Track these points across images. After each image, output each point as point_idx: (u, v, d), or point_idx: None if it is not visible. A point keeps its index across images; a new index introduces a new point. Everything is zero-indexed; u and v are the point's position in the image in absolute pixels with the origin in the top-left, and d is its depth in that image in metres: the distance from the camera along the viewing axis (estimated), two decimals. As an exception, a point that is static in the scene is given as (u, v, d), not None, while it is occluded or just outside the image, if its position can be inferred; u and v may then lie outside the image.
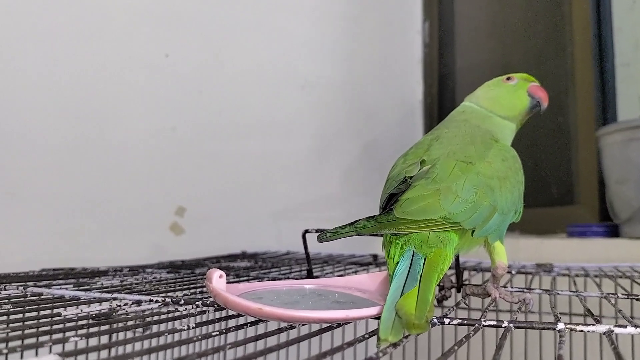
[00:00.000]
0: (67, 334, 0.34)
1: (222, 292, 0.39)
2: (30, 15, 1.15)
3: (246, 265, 0.92)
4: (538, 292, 0.61)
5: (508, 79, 0.69)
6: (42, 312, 0.43)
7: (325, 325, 0.39)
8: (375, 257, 1.06)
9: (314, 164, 1.58)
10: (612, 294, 0.58)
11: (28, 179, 1.12)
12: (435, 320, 0.41)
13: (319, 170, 1.59)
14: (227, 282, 0.42)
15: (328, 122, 1.64)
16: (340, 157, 1.64)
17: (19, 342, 0.32)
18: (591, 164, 1.46)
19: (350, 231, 0.48)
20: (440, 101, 1.97)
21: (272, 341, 0.36)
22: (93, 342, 0.32)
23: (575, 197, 1.54)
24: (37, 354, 0.28)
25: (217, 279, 0.41)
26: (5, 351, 0.29)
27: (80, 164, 1.19)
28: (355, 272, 0.87)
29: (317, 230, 0.66)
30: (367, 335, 0.35)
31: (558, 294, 0.60)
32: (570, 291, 0.61)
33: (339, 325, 0.40)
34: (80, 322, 0.38)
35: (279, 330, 0.38)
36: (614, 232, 1.27)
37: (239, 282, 0.71)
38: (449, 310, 0.50)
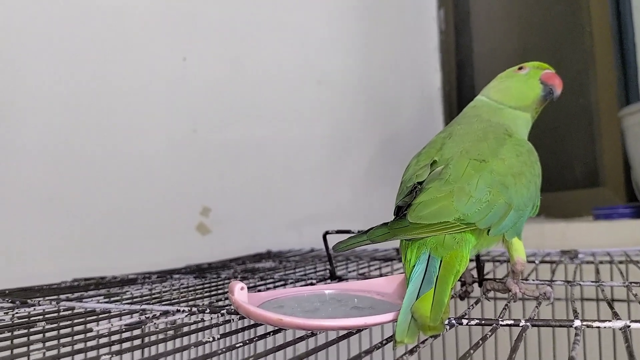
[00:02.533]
0: (100, 350, 0.35)
1: (244, 305, 0.41)
2: (47, 22, 1.18)
3: (270, 266, 0.93)
4: (560, 283, 0.61)
5: (520, 68, 0.68)
6: (76, 328, 0.46)
7: (343, 332, 0.40)
8: (398, 250, 1.07)
9: (334, 159, 1.59)
10: (635, 282, 0.58)
11: (56, 189, 1.15)
12: (454, 321, 0.42)
13: (340, 165, 1.60)
14: (250, 289, 0.44)
15: (347, 116, 1.64)
16: (360, 150, 1.64)
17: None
18: (615, 145, 1.44)
19: (364, 240, 0.48)
20: (459, 88, 1.96)
21: (294, 349, 0.37)
22: (125, 357, 0.34)
23: (600, 178, 1.52)
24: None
25: (239, 291, 0.42)
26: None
27: (105, 171, 1.22)
28: (379, 269, 0.88)
29: (337, 231, 0.67)
30: (384, 342, 0.36)
31: (580, 284, 0.60)
32: (592, 282, 0.61)
33: (358, 331, 0.41)
34: (112, 338, 0.40)
35: (300, 339, 0.39)
36: (640, 213, 1.26)
37: (264, 284, 0.72)
38: (470, 308, 0.50)
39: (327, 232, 0.71)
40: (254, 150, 1.45)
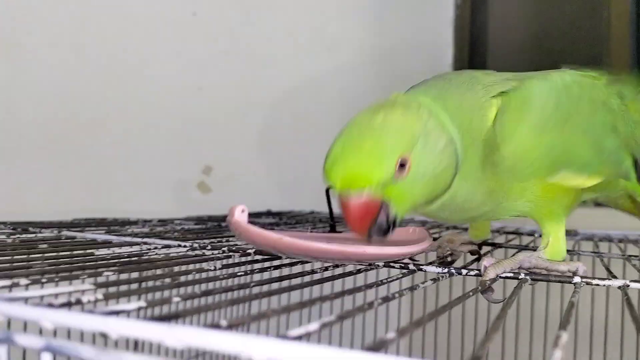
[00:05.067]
0: (100, 269, 0.35)
1: (244, 224, 0.40)
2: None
3: (271, 222, 0.94)
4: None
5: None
6: (76, 252, 0.46)
7: (344, 266, 0.40)
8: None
9: (341, 126, 1.58)
10: (635, 256, 0.58)
11: (60, 134, 1.15)
12: (453, 270, 0.42)
13: (346, 131, 1.59)
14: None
15: (354, 84, 1.63)
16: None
17: (53, 276, 0.33)
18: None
19: None
20: (470, 65, 1.94)
21: (294, 282, 0.37)
22: (125, 277, 0.34)
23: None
24: (70, 283, 0.30)
25: (240, 213, 0.41)
26: (44, 280, 0.31)
27: (110, 120, 1.21)
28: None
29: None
30: (385, 280, 0.36)
31: (579, 254, 0.60)
32: (591, 252, 0.61)
33: (358, 271, 0.42)
34: (112, 261, 0.40)
35: (301, 274, 0.39)
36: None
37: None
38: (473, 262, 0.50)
39: (330, 187, 0.70)
40: (259, 112, 1.44)
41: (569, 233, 0.89)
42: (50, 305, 0.24)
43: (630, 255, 0.58)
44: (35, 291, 0.28)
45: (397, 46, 1.74)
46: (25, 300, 0.24)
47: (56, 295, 0.26)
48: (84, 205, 1.15)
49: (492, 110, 0.43)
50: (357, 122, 0.44)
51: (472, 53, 1.95)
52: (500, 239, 0.84)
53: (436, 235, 0.83)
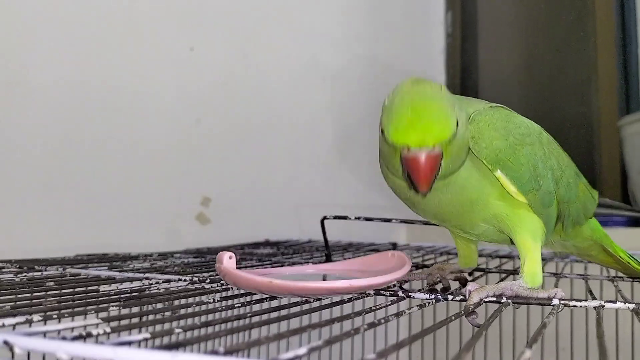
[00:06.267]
0: (103, 305, 0.38)
1: (232, 271, 0.43)
2: (54, 7, 1.19)
3: (269, 252, 0.96)
4: (545, 274, 0.64)
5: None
6: (79, 289, 0.48)
7: (335, 299, 0.42)
8: (394, 245, 1.09)
9: (336, 155, 1.61)
10: (619, 277, 0.61)
11: (62, 170, 1.18)
12: (439, 296, 0.44)
13: (341, 161, 1.62)
14: (247, 269, 0.46)
15: (349, 113, 1.66)
16: (362, 148, 1.66)
17: (57, 312, 0.36)
18: (614, 154, 1.46)
19: None
20: (462, 93, 1.98)
21: (288, 311, 0.39)
22: (128, 311, 0.36)
23: (598, 187, 1.54)
24: (72, 319, 0.32)
25: (228, 260, 0.44)
26: (55, 316, 0.33)
27: (110, 156, 1.24)
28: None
29: (335, 217, 0.69)
30: (374, 307, 0.39)
31: (566, 276, 0.62)
32: (577, 274, 0.63)
33: (350, 300, 0.44)
34: (116, 296, 0.42)
35: (295, 304, 0.41)
36: (635, 221, 1.28)
37: (261, 265, 0.75)
38: (458, 288, 0.52)
39: (325, 217, 0.73)
40: (256, 142, 1.47)
41: (562, 255, 0.92)
42: (64, 339, 0.26)
43: (614, 277, 0.61)
44: (49, 326, 0.30)
45: (390, 75, 1.78)
46: (43, 334, 0.26)
47: (72, 329, 0.28)
48: (85, 238, 1.17)
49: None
50: (414, 92, 0.50)
51: (464, 81, 1.99)
52: (495, 262, 0.86)
53: (431, 262, 0.85)
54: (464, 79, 1.99)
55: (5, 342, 0.25)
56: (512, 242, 0.55)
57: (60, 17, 1.20)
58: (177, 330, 0.30)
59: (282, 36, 1.55)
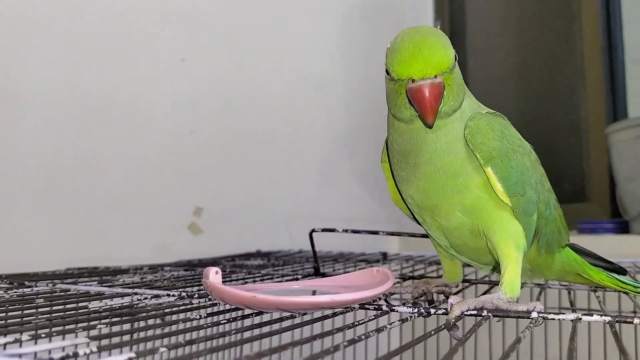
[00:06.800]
0: (92, 322, 0.38)
1: (219, 285, 0.44)
2: (48, 19, 1.20)
3: (259, 264, 0.96)
4: (529, 286, 0.65)
5: None
6: (69, 306, 0.48)
7: (320, 314, 0.43)
8: (384, 254, 1.10)
9: (329, 165, 1.62)
10: (600, 287, 0.62)
11: (52, 183, 1.18)
12: (422, 310, 0.45)
13: (334, 171, 1.63)
14: (236, 281, 0.47)
15: (342, 122, 1.68)
16: (354, 157, 1.67)
17: (47, 331, 0.36)
18: (602, 161, 1.48)
19: None
20: (452, 100, 1.99)
21: (274, 328, 0.40)
22: (117, 329, 0.37)
23: (587, 194, 1.56)
24: (63, 337, 0.33)
25: (214, 275, 0.45)
26: (43, 335, 0.34)
27: (101, 167, 1.25)
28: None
29: (323, 230, 0.70)
30: (356, 323, 0.39)
31: (549, 287, 0.63)
32: (562, 285, 0.64)
33: (334, 315, 0.45)
34: (104, 314, 0.43)
35: (280, 320, 0.42)
36: (624, 228, 1.29)
37: (252, 278, 0.75)
38: (442, 301, 0.53)
39: (313, 230, 0.74)
40: (249, 153, 1.48)
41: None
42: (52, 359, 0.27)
43: (596, 288, 0.62)
44: (40, 346, 0.31)
45: (382, 84, 1.79)
46: (34, 354, 0.27)
47: (63, 348, 0.29)
48: (77, 249, 1.17)
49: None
50: (413, 31, 0.53)
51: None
52: (482, 273, 0.87)
53: (421, 271, 0.86)
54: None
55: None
56: (493, 267, 0.57)
57: (55, 29, 1.21)
58: (161, 350, 0.30)
59: (276, 47, 1.56)
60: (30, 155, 1.17)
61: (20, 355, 0.27)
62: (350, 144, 1.67)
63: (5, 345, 0.34)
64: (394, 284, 0.53)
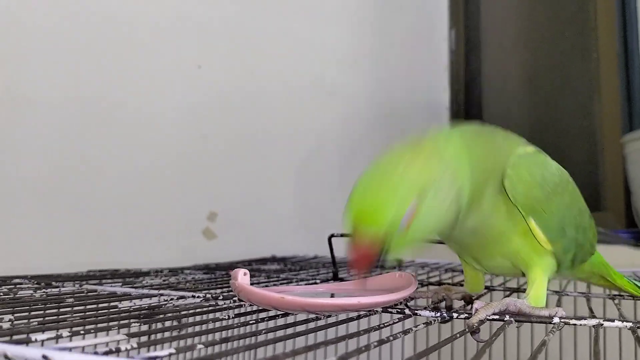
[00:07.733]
0: (124, 321, 0.40)
1: (247, 287, 0.45)
2: (58, 28, 1.22)
3: (276, 268, 0.97)
4: (548, 292, 0.65)
5: None
6: (100, 305, 0.50)
7: (344, 316, 0.44)
8: (399, 261, 1.10)
9: (341, 170, 1.63)
10: (618, 295, 0.62)
11: (66, 190, 1.19)
12: (445, 314, 0.46)
13: (347, 176, 1.63)
14: (257, 285, 0.48)
15: (356, 128, 1.69)
16: (367, 163, 1.68)
17: (82, 328, 0.38)
18: (617, 170, 1.47)
19: None
20: (466, 108, 2.00)
21: (300, 329, 0.41)
22: (145, 328, 0.38)
23: (602, 203, 1.55)
24: (95, 335, 0.34)
25: (242, 277, 0.46)
26: (82, 332, 0.35)
27: (115, 173, 1.26)
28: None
29: (342, 235, 0.71)
30: (381, 325, 0.40)
31: (567, 294, 0.64)
32: (579, 292, 0.65)
33: (358, 317, 0.46)
34: (135, 313, 0.44)
35: (306, 321, 0.43)
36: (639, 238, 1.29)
37: (271, 282, 0.76)
38: (465, 306, 0.54)
39: (332, 235, 0.75)
40: (262, 158, 1.49)
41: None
42: (97, 354, 0.28)
43: (615, 295, 0.62)
44: (75, 342, 0.32)
45: (395, 91, 1.81)
46: (82, 349, 0.28)
47: (95, 345, 0.30)
48: (92, 254, 1.18)
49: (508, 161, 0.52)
50: (380, 166, 0.48)
51: (467, 96, 2.02)
52: (499, 280, 0.88)
53: (436, 278, 0.87)
54: (467, 94, 2.01)
55: (44, 357, 0.27)
56: (522, 275, 0.57)
57: (68, 34, 1.22)
58: (199, 346, 0.32)
59: (289, 53, 1.57)
60: (44, 160, 1.18)
61: (70, 349, 0.28)
62: (364, 149, 1.68)
63: (43, 342, 0.35)
64: (416, 289, 0.54)
